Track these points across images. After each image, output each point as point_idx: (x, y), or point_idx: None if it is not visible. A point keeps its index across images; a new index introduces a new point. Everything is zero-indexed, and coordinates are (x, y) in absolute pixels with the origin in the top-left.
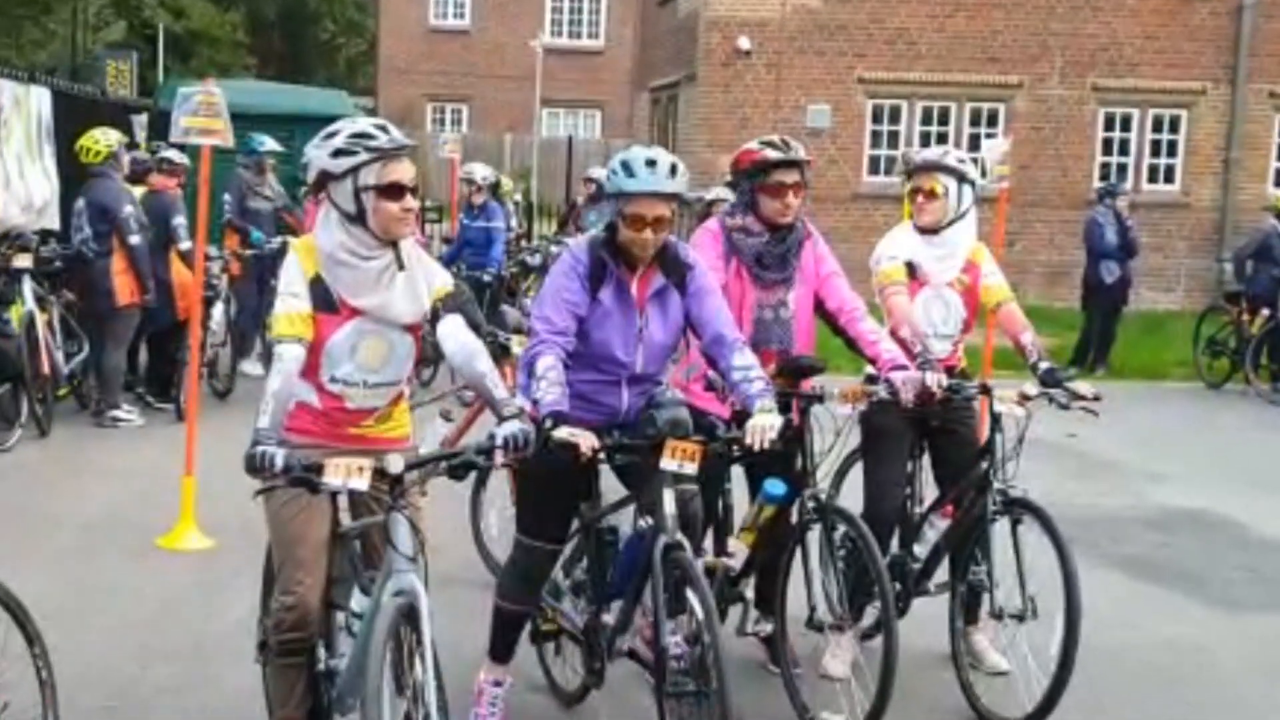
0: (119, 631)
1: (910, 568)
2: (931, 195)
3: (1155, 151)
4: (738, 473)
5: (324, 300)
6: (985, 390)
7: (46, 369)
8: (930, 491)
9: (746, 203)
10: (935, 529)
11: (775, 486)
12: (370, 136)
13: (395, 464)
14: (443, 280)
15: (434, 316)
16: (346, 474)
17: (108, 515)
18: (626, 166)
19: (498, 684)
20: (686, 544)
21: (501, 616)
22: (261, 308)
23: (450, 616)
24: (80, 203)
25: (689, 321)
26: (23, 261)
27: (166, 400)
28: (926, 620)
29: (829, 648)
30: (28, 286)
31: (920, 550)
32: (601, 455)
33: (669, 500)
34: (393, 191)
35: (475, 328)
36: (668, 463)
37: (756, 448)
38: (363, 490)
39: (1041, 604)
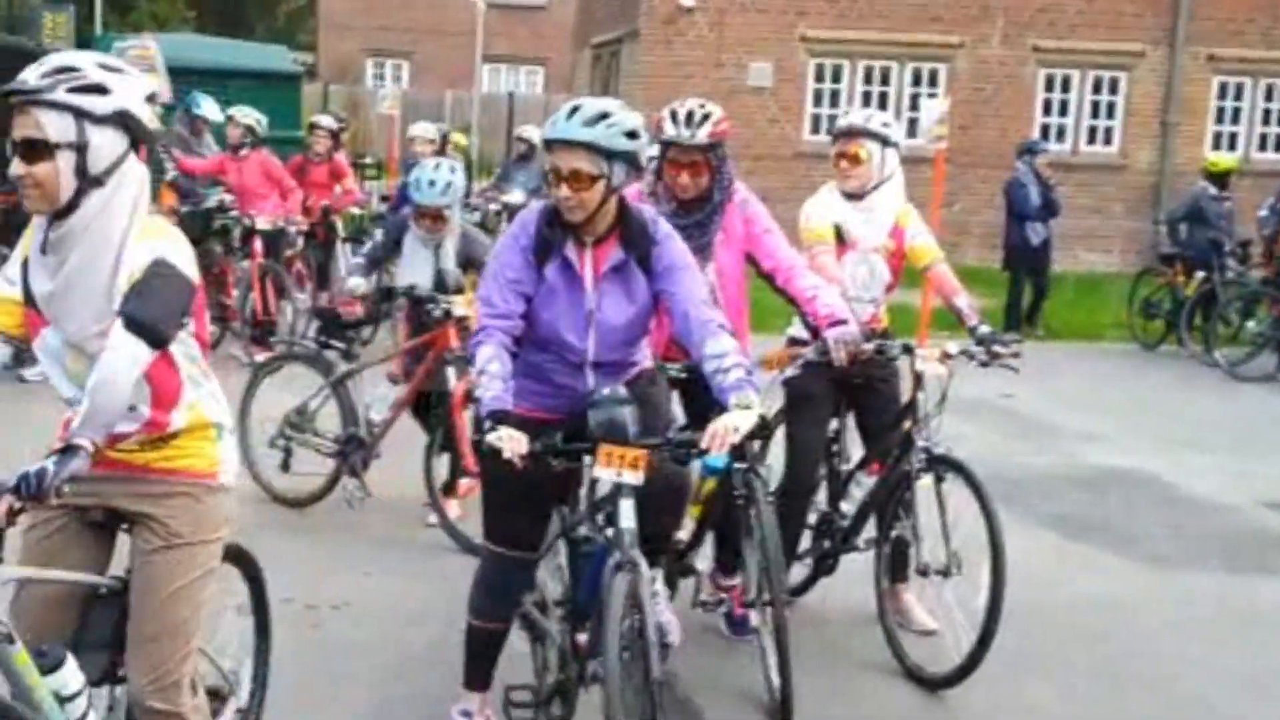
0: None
1: (838, 525)
2: (855, 160)
3: (1095, 113)
4: None
5: (29, 291)
6: (907, 350)
7: None
8: (857, 449)
9: (656, 170)
10: (862, 486)
11: (715, 459)
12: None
13: None
14: (135, 267)
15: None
16: None
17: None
18: (553, 119)
19: (466, 715)
20: (641, 563)
21: (473, 636)
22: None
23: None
24: None
25: (658, 303)
26: None
27: None
28: (857, 576)
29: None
30: None
31: (848, 507)
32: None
33: (625, 513)
34: (16, 150)
35: (137, 325)
36: (603, 471)
37: (715, 451)
38: None
39: (967, 560)
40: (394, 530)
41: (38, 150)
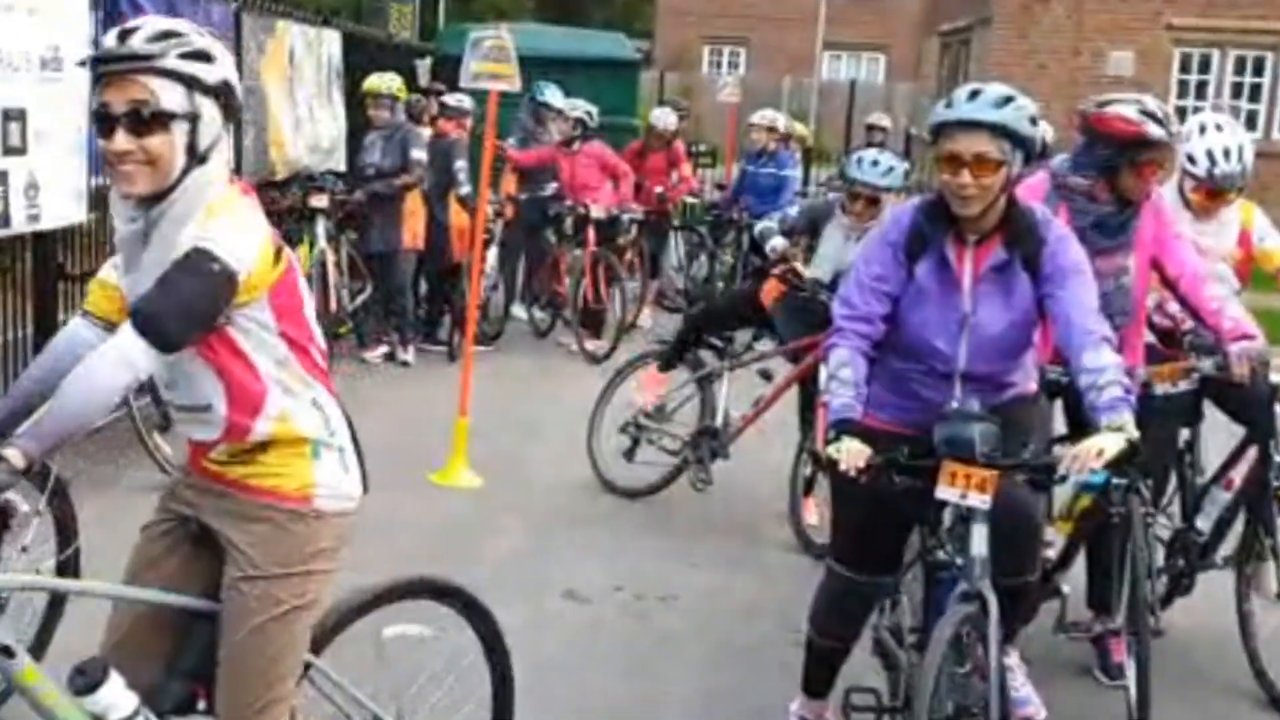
0: (394, 560)
1: (1194, 542)
2: (1225, 199)
3: None
4: None
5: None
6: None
7: (333, 306)
8: (1213, 459)
9: (1105, 171)
10: (1217, 503)
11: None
12: (121, 37)
13: None
14: (179, 248)
15: None
16: None
17: (383, 450)
18: (948, 101)
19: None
20: (990, 597)
21: (812, 648)
22: (530, 252)
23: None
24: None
25: (1042, 311)
26: (319, 202)
27: (435, 342)
28: (1221, 595)
29: None
30: (321, 226)
31: (1203, 523)
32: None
33: (976, 540)
34: (101, 123)
35: (141, 320)
36: (945, 491)
37: (1074, 476)
38: None
39: None
40: (726, 525)
41: (148, 122)
